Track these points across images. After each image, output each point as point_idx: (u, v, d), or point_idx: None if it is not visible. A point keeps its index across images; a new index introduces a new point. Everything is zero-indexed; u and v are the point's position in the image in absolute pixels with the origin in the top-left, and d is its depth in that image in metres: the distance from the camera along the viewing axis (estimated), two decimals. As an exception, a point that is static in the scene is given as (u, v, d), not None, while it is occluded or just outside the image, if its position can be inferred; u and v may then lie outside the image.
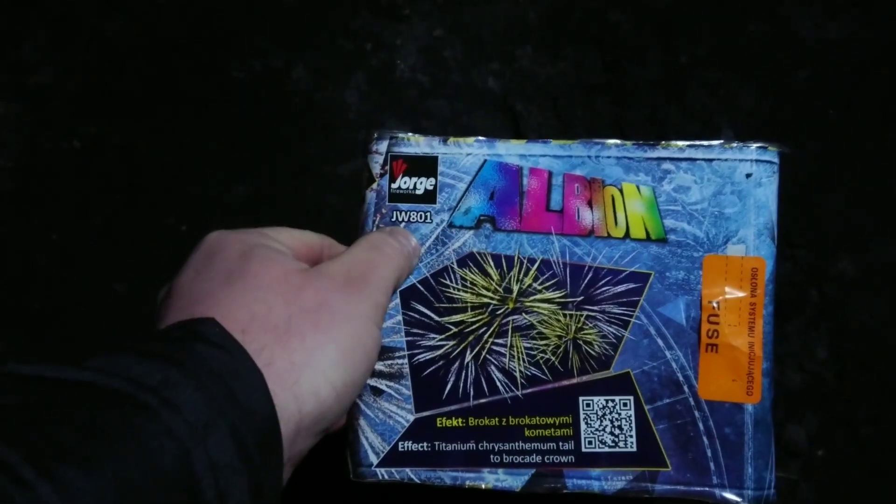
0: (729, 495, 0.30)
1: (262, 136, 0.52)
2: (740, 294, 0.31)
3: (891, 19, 0.51)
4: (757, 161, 0.31)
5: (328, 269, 0.29)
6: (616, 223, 0.32)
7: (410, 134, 0.33)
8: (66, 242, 0.50)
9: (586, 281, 0.32)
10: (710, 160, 0.31)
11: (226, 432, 0.22)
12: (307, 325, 0.26)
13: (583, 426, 0.31)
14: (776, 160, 0.31)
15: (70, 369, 0.22)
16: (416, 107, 0.52)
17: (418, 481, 0.32)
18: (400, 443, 0.32)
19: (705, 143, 0.32)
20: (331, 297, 0.27)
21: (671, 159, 0.32)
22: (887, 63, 0.50)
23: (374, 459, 0.32)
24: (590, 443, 0.31)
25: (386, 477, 0.32)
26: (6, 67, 0.52)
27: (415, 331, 0.32)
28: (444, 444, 0.32)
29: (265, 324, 0.26)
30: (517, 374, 0.32)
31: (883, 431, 0.46)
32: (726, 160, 0.31)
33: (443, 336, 0.32)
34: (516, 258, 0.32)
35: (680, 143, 0.32)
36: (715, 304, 0.31)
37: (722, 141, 0.31)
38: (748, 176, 0.31)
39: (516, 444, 0.31)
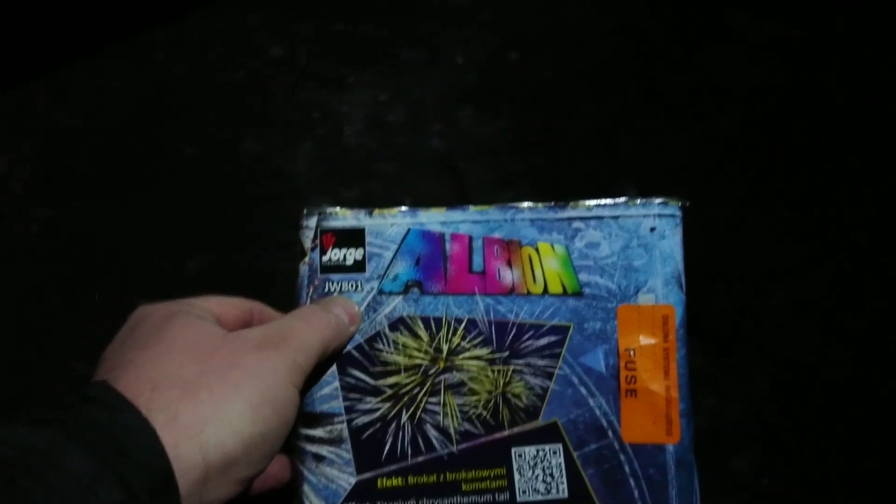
0: (657, 534, 0.32)
1: (213, 209, 0.53)
2: (653, 341, 0.33)
3: (809, 65, 0.55)
4: (659, 216, 0.34)
5: (247, 333, 0.30)
6: (535, 280, 0.34)
7: (338, 208, 0.35)
8: (25, 323, 0.51)
9: (511, 336, 0.34)
10: (616, 217, 0.34)
11: (114, 484, 0.23)
12: (216, 380, 0.28)
13: (516, 476, 0.33)
14: (678, 213, 0.34)
15: None
16: (363, 171, 0.54)
17: (362, 542, 0.33)
18: (343, 506, 0.33)
19: (611, 201, 0.34)
20: (243, 357, 0.29)
21: (581, 218, 0.34)
22: (808, 106, 0.54)
23: (319, 524, 0.33)
24: (524, 492, 0.33)
25: (331, 540, 0.33)
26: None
27: (352, 395, 0.34)
28: (385, 504, 0.33)
29: (175, 380, 0.27)
30: (451, 431, 0.33)
31: (824, 457, 0.47)
32: (631, 216, 0.34)
33: (379, 398, 0.34)
34: (444, 319, 0.34)
35: (588, 202, 0.34)
36: (631, 352, 0.33)
37: (626, 199, 0.34)
38: (652, 230, 0.34)
39: (454, 498, 0.33)
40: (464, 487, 0.33)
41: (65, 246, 0.53)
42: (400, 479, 0.33)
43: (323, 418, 0.34)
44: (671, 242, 0.33)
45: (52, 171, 0.54)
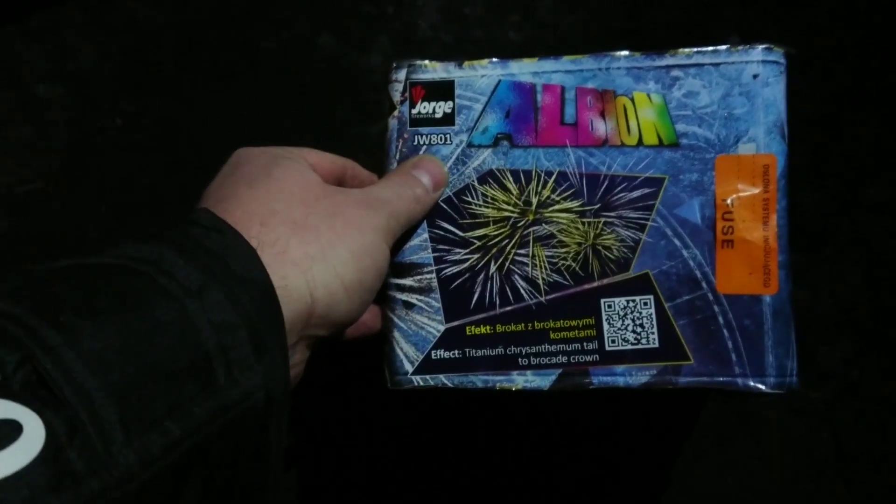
0: (751, 383, 0.31)
1: (291, 104, 0.54)
2: (754, 190, 0.32)
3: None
4: (763, 62, 0.32)
5: (346, 190, 0.31)
6: (629, 131, 0.33)
7: (427, 61, 0.35)
8: (116, 213, 0.53)
9: (602, 189, 0.33)
10: (718, 64, 0.32)
11: (221, 294, 0.23)
12: (323, 225, 0.28)
13: (605, 326, 0.33)
14: (782, 60, 0.32)
15: (71, 258, 0.24)
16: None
17: (451, 385, 0.33)
18: (433, 351, 0.34)
19: (711, 48, 0.33)
20: (346, 209, 0.29)
21: (680, 66, 0.33)
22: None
23: (409, 368, 0.34)
24: (613, 341, 0.33)
25: (421, 383, 0.34)
26: (48, 54, 0.55)
27: (441, 247, 0.34)
28: (474, 351, 0.33)
29: (284, 218, 0.28)
30: (540, 282, 0.33)
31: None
32: (733, 63, 0.32)
33: (468, 250, 0.34)
34: (534, 172, 0.34)
35: (687, 49, 0.33)
36: (729, 202, 0.32)
37: (728, 45, 0.32)
38: (755, 77, 0.32)
39: (542, 346, 0.33)
40: (552, 336, 0.33)
41: (149, 138, 0.54)
42: (488, 326, 0.33)
43: (412, 268, 0.34)
44: (774, 90, 0.32)
45: (135, 67, 0.55)
